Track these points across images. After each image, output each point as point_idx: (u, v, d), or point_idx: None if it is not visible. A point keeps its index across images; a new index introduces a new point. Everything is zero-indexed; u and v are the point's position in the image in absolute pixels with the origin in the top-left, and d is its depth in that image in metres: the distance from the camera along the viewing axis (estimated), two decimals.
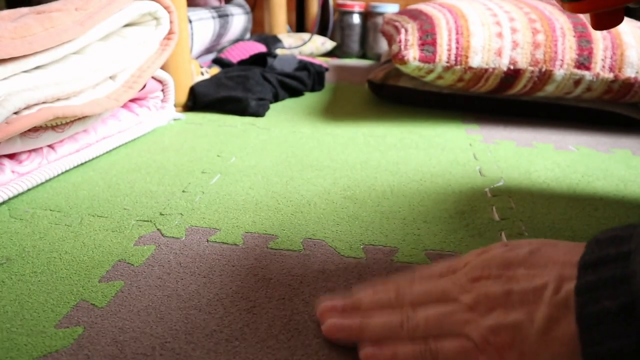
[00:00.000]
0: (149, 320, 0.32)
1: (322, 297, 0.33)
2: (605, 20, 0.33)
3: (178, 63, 0.78)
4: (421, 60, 0.74)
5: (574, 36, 0.74)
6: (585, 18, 0.34)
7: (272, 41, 1.26)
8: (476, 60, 0.74)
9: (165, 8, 0.68)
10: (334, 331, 0.30)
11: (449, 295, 0.28)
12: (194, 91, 0.82)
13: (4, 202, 0.48)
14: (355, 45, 1.48)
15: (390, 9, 1.41)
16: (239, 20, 1.19)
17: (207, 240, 0.42)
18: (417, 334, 0.28)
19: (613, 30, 0.74)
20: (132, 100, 0.70)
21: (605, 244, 0.24)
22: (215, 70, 0.97)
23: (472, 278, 0.28)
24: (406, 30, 0.79)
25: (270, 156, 0.63)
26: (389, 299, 0.30)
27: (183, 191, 0.52)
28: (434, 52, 0.74)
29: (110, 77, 0.61)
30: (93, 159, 0.60)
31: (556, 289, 0.24)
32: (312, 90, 1.00)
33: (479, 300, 0.27)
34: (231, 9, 1.16)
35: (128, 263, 0.39)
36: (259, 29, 1.59)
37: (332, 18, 1.48)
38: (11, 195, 0.48)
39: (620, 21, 0.33)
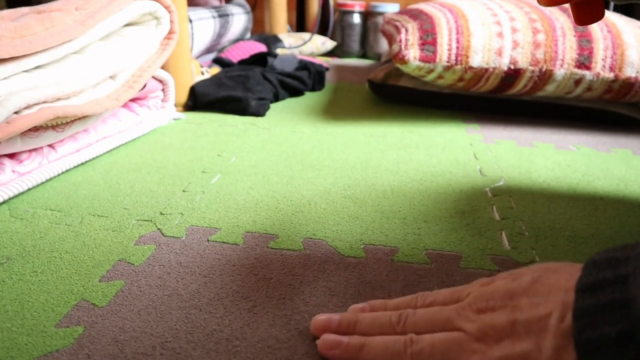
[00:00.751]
0: (149, 319, 0.32)
1: (318, 315, 0.32)
2: (585, 16, 0.34)
3: (178, 63, 0.78)
4: (421, 59, 0.74)
5: (575, 36, 0.74)
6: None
7: (272, 41, 1.26)
8: (476, 60, 0.74)
9: (166, 8, 0.68)
10: (330, 347, 0.29)
11: (453, 323, 0.28)
12: (194, 91, 0.82)
13: (4, 202, 0.48)
14: (355, 45, 1.48)
15: (391, 8, 1.41)
16: (239, 19, 1.19)
17: (208, 240, 0.42)
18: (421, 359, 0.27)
19: (613, 29, 0.74)
20: (133, 100, 0.70)
21: (603, 266, 0.24)
22: (216, 69, 0.97)
23: (477, 309, 0.28)
24: (406, 30, 0.79)
25: (270, 156, 0.63)
26: (390, 321, 0.30)
27: (183, 191, 0.52)
28: (434, 52, 0.74)
29: (111, 77, 0.61)
30: (93, 158, 0.60)
31: (561, 317, 0.24)
32: (313, 89, 1.00)
33: (485, 331, 0.26)
34: (231, 8, 1.16)
35: (128, 262, 0.39)
36: (259, 29, 1.59)
37: (332, 18, 1.48)
38: (11, 194, 0.48)
39: (600, 16, 0.34)
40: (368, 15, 1.45)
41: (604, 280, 0.23)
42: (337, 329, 0.30)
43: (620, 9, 1.21)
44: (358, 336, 0.30)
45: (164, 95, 0.75)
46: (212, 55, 1.15)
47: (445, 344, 0.27)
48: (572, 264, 0.27)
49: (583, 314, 0.23)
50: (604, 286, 0.23)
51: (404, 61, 0.74)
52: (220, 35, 1.10)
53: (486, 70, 0.74)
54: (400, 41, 0.76)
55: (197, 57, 1.06)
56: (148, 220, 0.45)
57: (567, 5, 0.82)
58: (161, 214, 0.47)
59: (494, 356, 0.25)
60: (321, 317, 0.31)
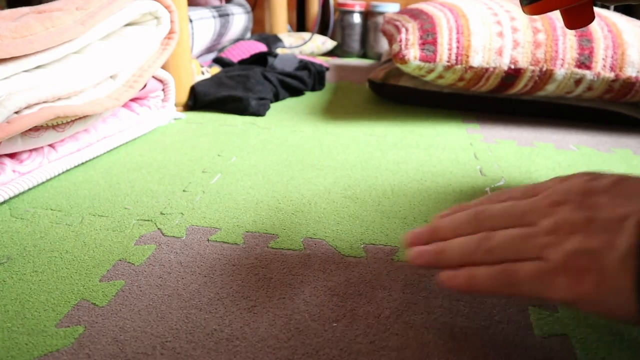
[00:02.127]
0: (149, 319, 0.32)
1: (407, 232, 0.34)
2: (575, 20, 0.34)
3: (179, 62, 0.78)
4: (422, 59, 0.74)
5: (575, 35, 0.74)
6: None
7: (272, 40, 1.26)
8: (477, 60, 0.74)
9: (166, 7, 0.68)
10: (415, 257, 0.32)
11: (527, 218, 0.28)
12: (194, 90, 0.82)
13: (5, 202, 0.48)
14: (355, 45, 1.48)
15: (391, 8, 1.41)
16: (239, 19, 1.19)
17: (208, 240, 0.42)
18: (495, 256, 0.28)
19: (614, 29, 0.74)
20: (133, 100, 0.70)
21: None
22: (216, 69, 0.97)
23: (552, 202, 0.28)
24: (407, 30, 0.79)
25: (270, 155, 0.63)
26: (468, 221, 0.31)
27: (184, 190, 0.52)
28: (434, 52, 0.74)
29: (111, 77, 0.61)
30: (94, 158, 0.60)
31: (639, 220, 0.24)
32: (313, 89, 1.00)
33: (559, 224, 0.27)
34: (232, 8, 1.16)
35: (129, 262, 0.39)
36: (259, 29, 1.59)
37: (332, 17, 1.48)
38: (12, 194, 0.48)
39: (590, 20, 0.34)
40: (368, 14, 1.45)
41: None
42: (424, 241, 0.33)
43: (620, 9, 1.21)
44: (437, 243, 0.31)
45: (164, 95, 0.75)
46: (212, 55, 1.15)
47: (517, 239, 0.28)
48: None
49: None
50: None
51: (404, 61, 0.74)
52: (220, 35, 1.10)
53: (486, 69, 0.74)
54: (401, 41, 0.76)
55: (198, 57, 1.06)
56: (148, 220, 0.45)
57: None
58: (161, 213, 0.47)
59: (565, 249, 0.25)
60: (409, 233, 0.34)
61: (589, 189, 0.27)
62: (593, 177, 0.28)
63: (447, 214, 0.34)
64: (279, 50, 1.25)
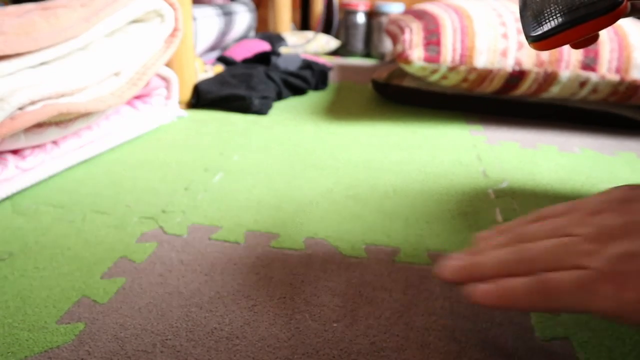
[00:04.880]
0: (150, 317, 0.32)
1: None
2: (581, 44, 0.34)
3: (182, 60, 0.78)
4: (425, 60, 0.74)
5: None
6: None
7: (276, 39, 1.26)
8: (481, 61, 0.73)
9: (170, 5, 0.68)
10: (446, 272, 0.30)
11: (564, 230, 0.27)
12: (197, 89, 0.82)
13: (7, 198, 0.48)
14: (359, 45, 1.48)
15: (395, 8, 1.40)
16: (243, 18, 1.19)
17: (209, 238, 0.42)
18: (532, 266, 0.27)
19: (620, 31, 0.74)
20: (136, 97, 0.71)
21: None
22: (219, 68, 0.97)
23: (590, 212, 0.27)
24: (411, 30, 0.79)
25: (272, 155, 0.63)
26: (506, 242, 0.30)
27: (185, 189, 0.52)
28: (438, 52, 0.74)
29: (115, 74, 0.61)
30: (96, 155, 0.60)
31: None
32: (316, 89, 1.00)
33: (599, 231, 0.26)
34: (236, 6, 1.16)
35: (130, 260, 0.39)
36: (263, 27, 1.59)
37: (336, 17, 1.48)
38: (14, 190, 0.48)
39: (595, 40, 0.34)
40: (372, 14, 1.45)
41: None
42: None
43: None
44: (472, 257, 0.30)
45: (167, 93, 0.75)
46: (215, 53, 1.15)
47: (555, 248, 0.27)
48: None
49: None
50: None
51: (408, 61, 0.74)
52: (224, 33, 1.10)
53: (490, 71, 0.74)
54: (405, 41, 0.76)
55: (201, 55, 1.06)
56: (150, 218, 0.45)
57: None
58: (163, 211, 0.47)
59: (611, 253, 0.24)
60: (450, 258, 0.32)
61: (627, 197, 0.27)
62: (631, 187, 0.28)
63: (486, 235, 0.33)
64: (282, 49, 1.25)
